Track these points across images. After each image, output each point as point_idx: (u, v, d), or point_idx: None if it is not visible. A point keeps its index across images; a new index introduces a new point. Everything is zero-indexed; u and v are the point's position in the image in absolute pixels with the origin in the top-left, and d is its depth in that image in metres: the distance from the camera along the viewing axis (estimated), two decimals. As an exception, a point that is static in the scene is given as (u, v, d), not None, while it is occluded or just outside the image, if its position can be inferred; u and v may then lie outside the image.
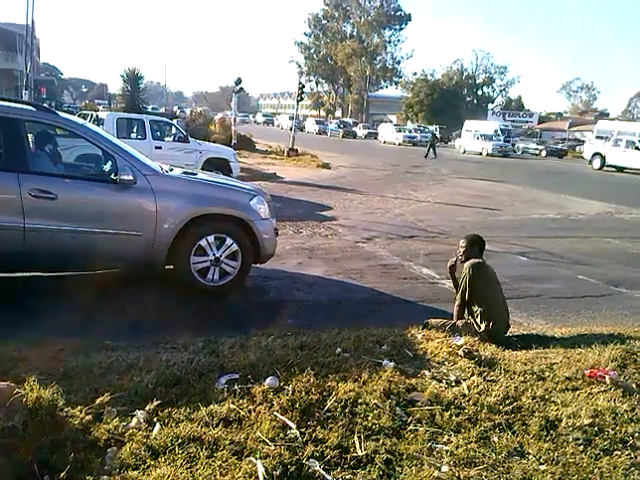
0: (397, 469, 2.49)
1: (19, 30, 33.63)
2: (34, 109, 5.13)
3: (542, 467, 2.58)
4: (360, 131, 54.18)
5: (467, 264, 4.43)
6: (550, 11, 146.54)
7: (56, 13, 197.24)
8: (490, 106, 67.46)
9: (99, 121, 12.56)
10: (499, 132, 42.11)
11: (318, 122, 60.15)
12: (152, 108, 36.47)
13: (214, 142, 17.04)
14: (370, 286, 6.11)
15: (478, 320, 4.35)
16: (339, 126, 55.14)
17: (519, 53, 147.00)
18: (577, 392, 3.39)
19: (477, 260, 4.47)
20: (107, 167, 5.14)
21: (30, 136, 5.17)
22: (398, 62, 73.41)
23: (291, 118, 57.09)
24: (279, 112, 72.89)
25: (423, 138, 41.70)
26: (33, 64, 32.19)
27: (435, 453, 2.63)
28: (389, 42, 72.80)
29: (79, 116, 12.75)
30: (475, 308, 4.40)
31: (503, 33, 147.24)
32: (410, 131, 46.62)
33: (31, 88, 29.43)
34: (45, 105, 6.36)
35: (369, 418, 2.87)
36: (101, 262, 5.06)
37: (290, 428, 2.71)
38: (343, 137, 49.94)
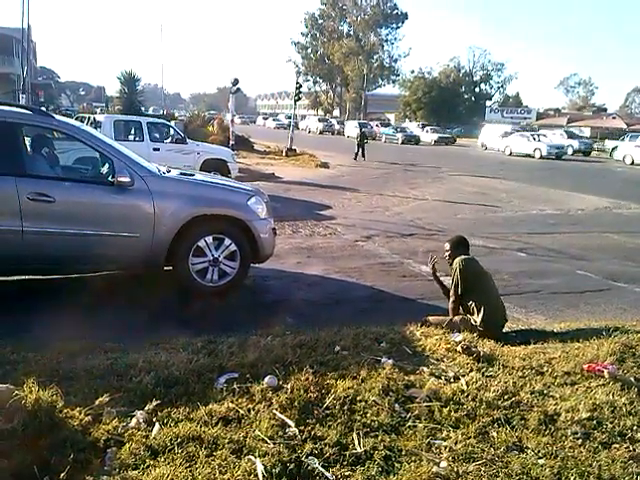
0: (396, 465, 2.50)
1: (15, 34, 33.56)
2: (31, 113, 5.13)
3: (541, 461, 2.59)
4: (426, 135, 41.74)
5: (457, 259, 4.49)
6: (547, 7, 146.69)
7: (52, 17, 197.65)
8: (488, 103, 67.43)
9: (96, 124, 12.54)
10: None
11: (362, 125, 47.67)
12: (153, 109, 36.65)
13: (212, 143, 17.03)
14: (369, 284, 6.12)
15: (474, 312, 4.38)
16: (397, 130, 43.02)
17: (516, 50, 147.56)
18: (576, 386, 3.40)
19: (465, 255, 4.54)
20: (104, 169, 5.15)
21: (27, 140, 5.18)
22: (395, 60, 73.76)
23: (320, 120, 55.13)
24: (307, 115, 68.75)
25: (555, 148, 30.38)
26: (30, 68, 32.10)
27: (434, 449, 2.64)
28: (386, 41, 73.12)
29: (76, 119, 12.78)
30: (469, 301, 4.43)
31: (500, 30, 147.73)
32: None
33: (28, 92, 29.40)
34: (42, 109, 6.37)
35: (368, 415, 2.88)
36: (99, 264, 5.07)
37: (289, 426, 2.71)
38: (403, 143, 39.87)
